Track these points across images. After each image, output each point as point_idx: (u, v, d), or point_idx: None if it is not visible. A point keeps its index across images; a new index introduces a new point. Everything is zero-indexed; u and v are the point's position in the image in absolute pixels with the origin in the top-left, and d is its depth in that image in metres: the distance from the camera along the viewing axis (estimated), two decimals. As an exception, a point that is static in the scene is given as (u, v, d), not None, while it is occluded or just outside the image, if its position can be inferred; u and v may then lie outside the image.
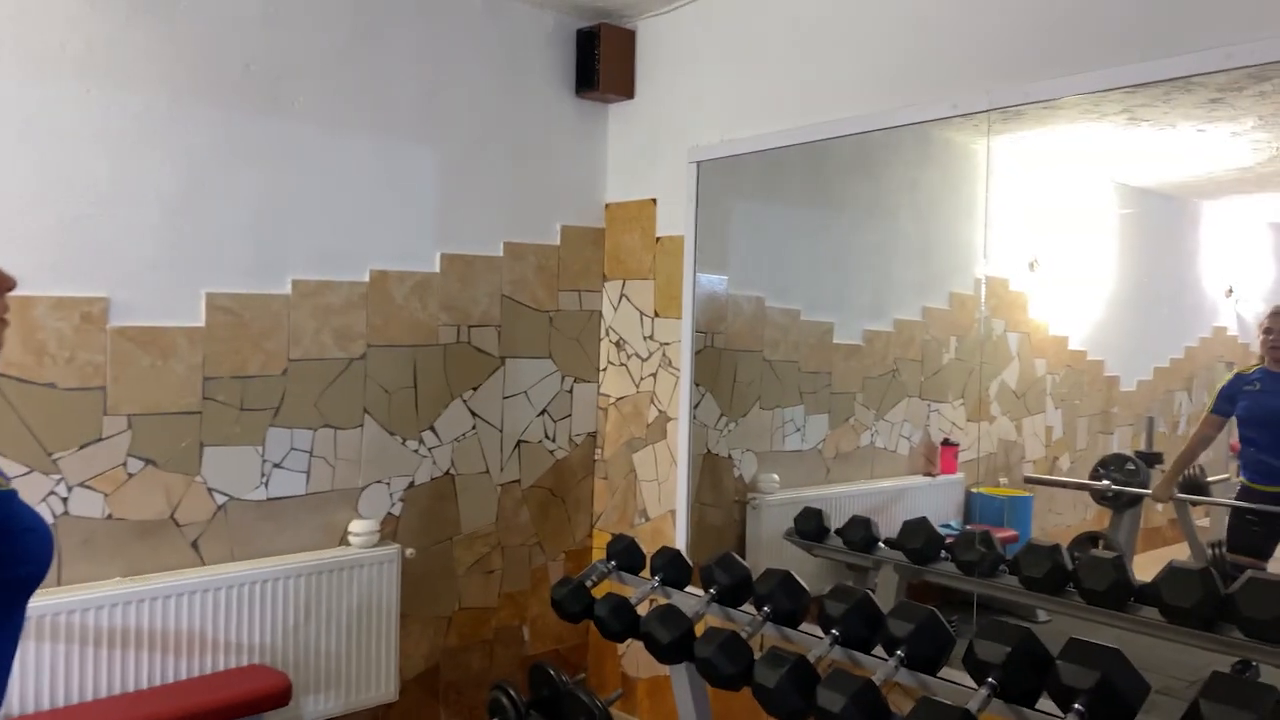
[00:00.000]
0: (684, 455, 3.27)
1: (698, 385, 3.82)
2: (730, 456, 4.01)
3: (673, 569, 2.63)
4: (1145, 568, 5.53)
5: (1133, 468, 5.11)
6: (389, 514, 3.05)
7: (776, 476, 4.14)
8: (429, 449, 3.14)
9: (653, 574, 2.65)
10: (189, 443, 2.65)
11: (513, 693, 2.47)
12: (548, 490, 3.46)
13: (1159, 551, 5.97)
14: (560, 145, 3.45)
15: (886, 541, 3.26)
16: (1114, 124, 4.53)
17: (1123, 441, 5.97)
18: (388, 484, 3.05)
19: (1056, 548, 2.66)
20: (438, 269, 3.14)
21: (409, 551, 3.05)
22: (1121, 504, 5.08)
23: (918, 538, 3.02)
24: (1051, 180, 5.57)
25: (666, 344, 3.36)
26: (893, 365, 4.80)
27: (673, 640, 2.29)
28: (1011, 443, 5.48)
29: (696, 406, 3.77)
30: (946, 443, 5.06)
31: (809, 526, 3.34)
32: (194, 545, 2.68)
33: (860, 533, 3.20)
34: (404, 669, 3.09)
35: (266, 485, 2.80)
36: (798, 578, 2.37)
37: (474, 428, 3.24)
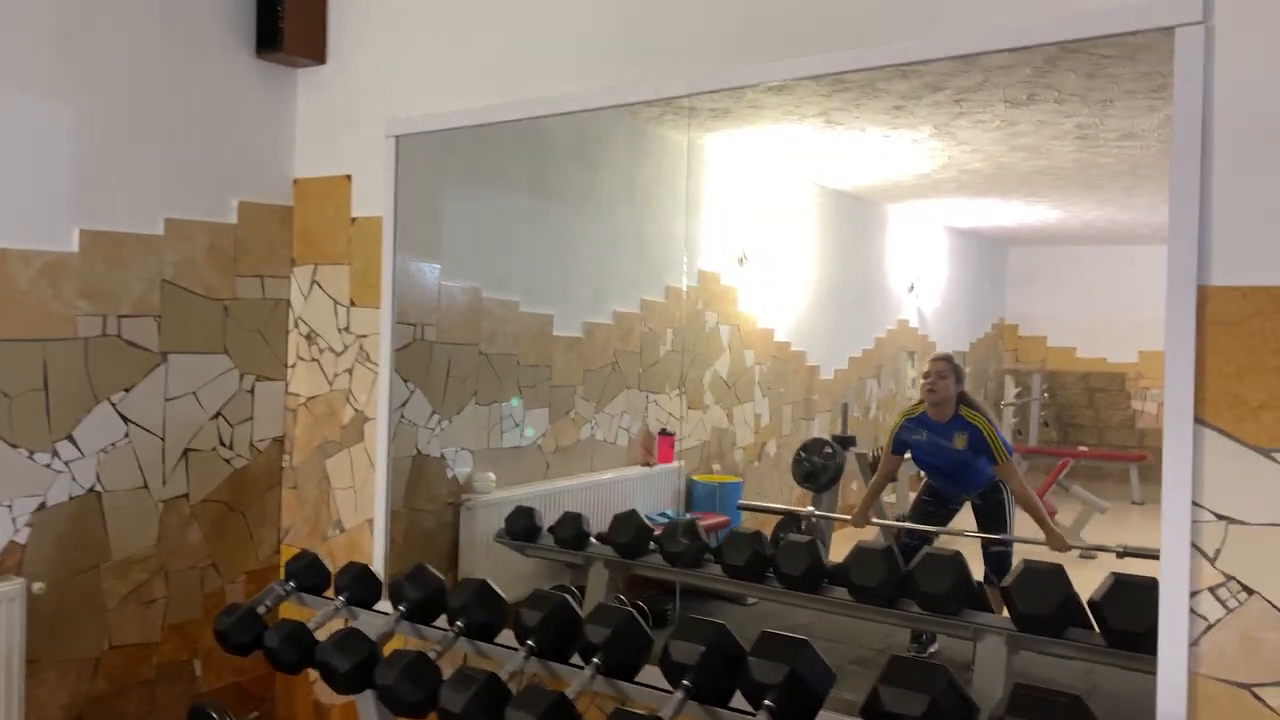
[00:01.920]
0: (383, 458, 2.99)
1: (406, 381, 3.55)
2: (443, 456, 3.77)
3: (359, 586, 2.36)
4: (845, 540, 5.85)
5: (830, 451, 5.43)
6: (11, 542, 2.53)
7: (493, 475, 3.95)
8: (66, 463, 2.63)
9: (337, 593, 2.37)
10: None
11: (163, 745, 2.10)
12: (224, 504, 3.04)
13: (849, 531, 6.41)
14: (237, 111, 3.04)
15: (598, 537, 3.17)
16: (813, 126, 4.75)
17: (823, 426, 6.36)
18: (9, 506, 2.53)
19: (757, 535, 2.68)
20: (76, 248, 2.65)
21: (36, 586, 2.54)
22: (821, 484, 5.40)
23: (626, 531, 2.95)
24: (760, 180, 5.81)
25: (364, 336, 3.06)
26: (612, 358, 4.77)
27: (352, 668, 2.04)
28: (724, 430, 5.66)
29: (404, 405, 3.50)
30: (664, 433, 5.12)
31: (519, 526, 3.18)
32: None
33: (571, 530, 3.09)
34: (35, 726, 2.58)
35: None
36: (494, 587, 2.19)
37: (127, 436, 2.77)
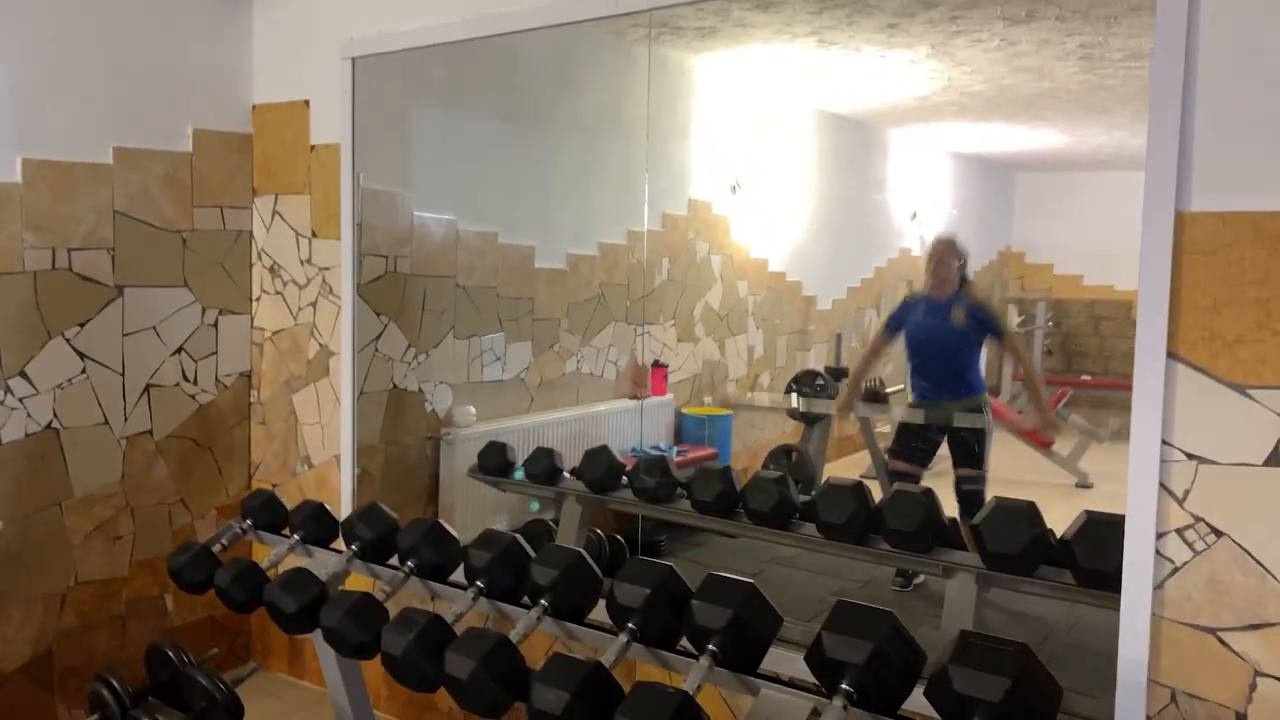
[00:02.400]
0: (348, 394, 2.92)
1: (379, 315, 3.47)
2: (421, 390, 3.71)
3: (314, 525, 2.32)
4: (838, 472, 5.77)
5: (821, 383, 5.35)
6: (-36, 480, 2.49)
7: (473, 409, 3.90)
8: (20, 399, 2.58)
9: (292, 532, 2.33)
10: None
11: (116, 684, 2.08)
12: (190, 440, 2.99)
13: (851, 458, 6.39)
14: (189, 32, 2.89)
15: (572, 472, 3.11)
16: (805, 46, 4.54)
17: (819, 358, 6.28)
18: (-39, 444, 2.49)
19: (726, 471, 2.61)
20: (18, 178, 2.55)
21: (-6, 524, 2.51)
22: (811, 418, 5.33)
23: (597, 467, 2.89)
24: (754, 104, 5.62)
25: (326, 269, 2.97)
26: (598, 290, 4.67)
27: (299, 608, 2.00)
28: (716, 362, 5.58)
29: (378, 339, 3.43)
30: (657, 364, 5.05)
31: (492, 462, 3.13)
32: None
33: (542, 465, 3.03)
34: (0, 661, 2.58)
35: None
36: (446, 526, 2.14)
37: (84, 372, 2.71)
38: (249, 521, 2.39)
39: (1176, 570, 1.69)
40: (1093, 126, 6.60)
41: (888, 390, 5.32)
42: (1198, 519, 1.67)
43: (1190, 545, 1.68)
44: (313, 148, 2.96)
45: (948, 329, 3.74)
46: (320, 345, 3.00)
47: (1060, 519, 4.65)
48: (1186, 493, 1.67)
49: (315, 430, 3.04)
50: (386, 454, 3.58)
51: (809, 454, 5.14)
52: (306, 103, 2.96)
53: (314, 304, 3.00)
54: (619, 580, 1.75)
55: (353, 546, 2.17)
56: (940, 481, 4.03)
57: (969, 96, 5.68)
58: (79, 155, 2.67)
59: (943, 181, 7.97)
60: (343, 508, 2.90)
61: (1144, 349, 1.68)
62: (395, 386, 3.58)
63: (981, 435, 3.80)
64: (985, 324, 3.70)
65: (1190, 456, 1.66)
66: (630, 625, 1.71)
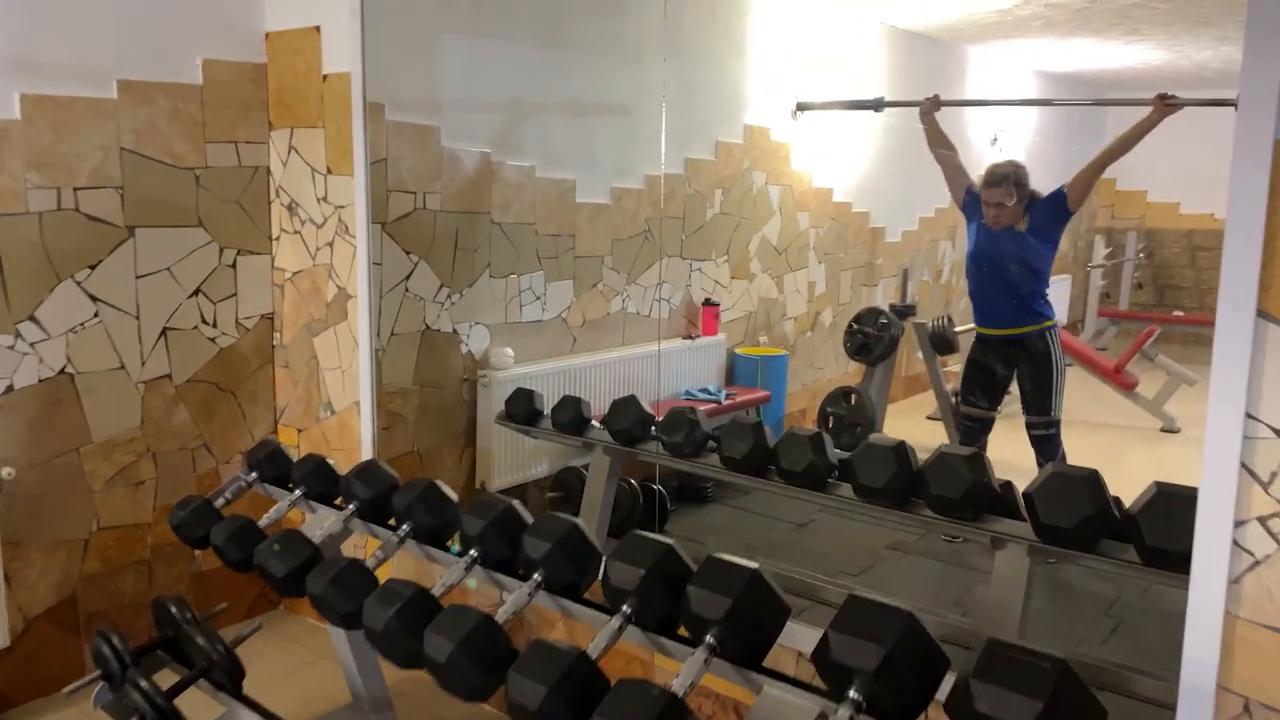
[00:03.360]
0: (366, 338, 2.80)
1: (409, 253, 3.33)
2: (456, 331, 3.59)
3: (316, 480, 2.21)
4: (903, 414, 5.49)
5: (885, 321, 5.06)
6: (-22, 426, 2.46)
7: (510, 351, 3.76)
8: (31, 344, 2.52)
9: (294, 487, 2.23)
10: None
11: (116, 640, 2.03)
12: (212, 385, 2.92)
13: (918, 398, 6.11)
14: (195, -45, 2.73)
15: (602, 421, 2.96)
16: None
17: (886, 293, 5.96)
18: (-28, 390, 2.45)
19: (758, 426, 2.42)
20: (17, 114, 2.44)
21: (6, 471, 2.48)
22: (874, 358, 5.06)
23: (625, 418, 2.72)
24: (816, 20, 5.23)
25: (342, 207, 2.82)
26: (645, 225, 4.45)
27: (289, 572, 1.90)
28: (773, 300, 5.32)
29: (409, 278, 3.30)
30: (708, 303, 4.83)
31: (519, 410, 2.99)
32: None
33: (569, 414, 2.88)
34: (24, 605, 2.57)
35: None
36: (443, 487, 2.00)
37: (96, 315, 2.63)
38: (254, 474, 2.30)
39: (1257, 564, 1.45)
40: (1196, 40, 6.00)
41: (956, 329, 5.00)
42: (1286, 507, 1.42)
43: (1275, 536, 1.43)
44: (325, 78, 2.79)
45: (1013, 240, 3.44)
46: (338, 288, 2.88)
47: (1139, 465, 4.31)
48: (1274, 476, 1.42)
49: (336, 375, 2.94)
50: (421, 396, 3.48)
51: (869, 396, 4.88)
52: (317, 29, 2.78)
53: (330, 244, 2.86)
54: (612, 558, 1.59)
55: (351, 506, 2.06)
56: (1014, 424, 3.76)
57: (1055, 8, 5.19)
58: (81, 90, 2.55)
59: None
60: (363, 456, 2.81)
61: (1228, 304, 1.42)
62: (428, 328, 3.46)
63: (1049, 370, 3.52)
64: (1052, 206, 3.37)
65: (1280, 434, 1.41)
66: (625, 609, 1.55)
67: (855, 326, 5.13)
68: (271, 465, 2.31)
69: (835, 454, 2.35)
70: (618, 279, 4.27)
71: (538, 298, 3.95)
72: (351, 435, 2.89)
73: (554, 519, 1.74)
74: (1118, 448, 5.18)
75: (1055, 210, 3.39)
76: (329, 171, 2.84)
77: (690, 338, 4.62)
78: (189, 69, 2.76)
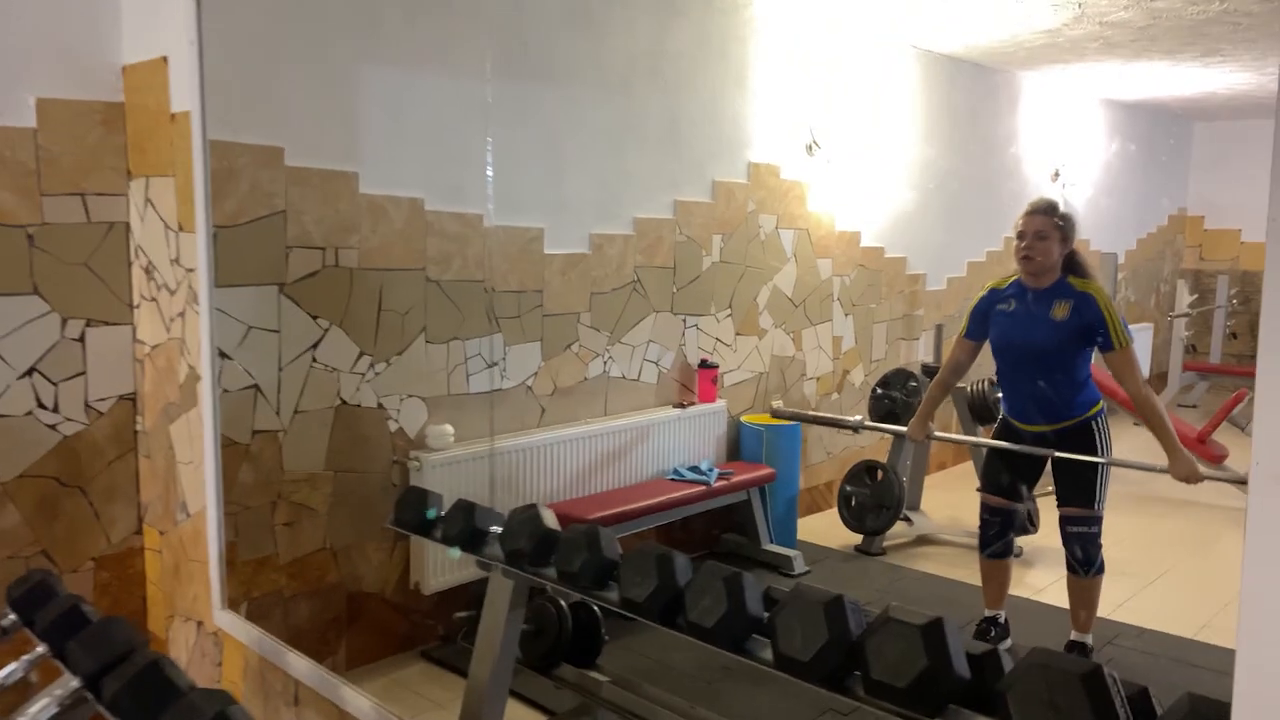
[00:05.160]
0: (209, 429, 2.30)
1: (315, 318, 2.87)
2: (381, 406, 3.09)
3: (60, 632, 1.70)
4: (949, 486, 4.68)
5: (915, 384, 4.37)
6: None
7: (450, 427, 3.25)
8: None
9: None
10: None
11: None
12: (52, 480, 2.47)
13: (959, 468, 5.34)
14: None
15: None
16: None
17: (929, 348, 5.26)
18: None
19: (664, 559, 1.82)
20: None
21: None
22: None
23: (520, 535, 2.15)
24: (835, 45, 4.64)
25: (192, 270, 2.36)
26: (633, 275, 3.91)
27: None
28: (789, 359, 4.69)
29: (316, 346, 2.84)
30: (704, 364, 4.24)
31: (408, 515, 2.44)
32: None
33: (459, 525, 2.31)
34: None
35: None
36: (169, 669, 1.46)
37: (-108, 402, 2.22)
38: (13, 615, 1.81)
39: None
40: (1289, 58, 5.19)
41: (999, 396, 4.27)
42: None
43: None
44: (173, 117, 2.34)
45: (1047, 328, 2.74)
46: (189, 366, 2.40)
47: (1227, 553, 3.45)
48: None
49: (190, 470, 2.45)
50: (336, 484, 2.99)
51: (895, 471, 4.20)
52: (165, 60, 2.33)
53: (182, 314, 2.39)
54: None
55: (74, 682, 1.54)
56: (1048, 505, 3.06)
57: (1112, 27, 4.49)
58: (-128, 136, 2.15)
59: (1093, 134, 6.64)
60: (211, 574, 2.30)
61: (1271, 352, 0.79)
62: (344, 403, 2.98)
63: (1094, 468, 2.81)
64: (1091, 325, 2.69)
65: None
66: None
67: (880, 391, 4.45)
68: (29, 602, 1.81)
69: (758, 602, 1.74)
70: (598, 338, 3.73)
71: (492, 364, 3.43)
72: (205, 544, 2.40)
73: None
74: (1204, 534, 4.35)
75: (1094, 329, 2.71)
76: (180, 228, 2.38)
77: (683, 405, 4.04)
78: (18, 109, 2.34)
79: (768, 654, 1.67)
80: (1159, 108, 6.75)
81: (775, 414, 3.86)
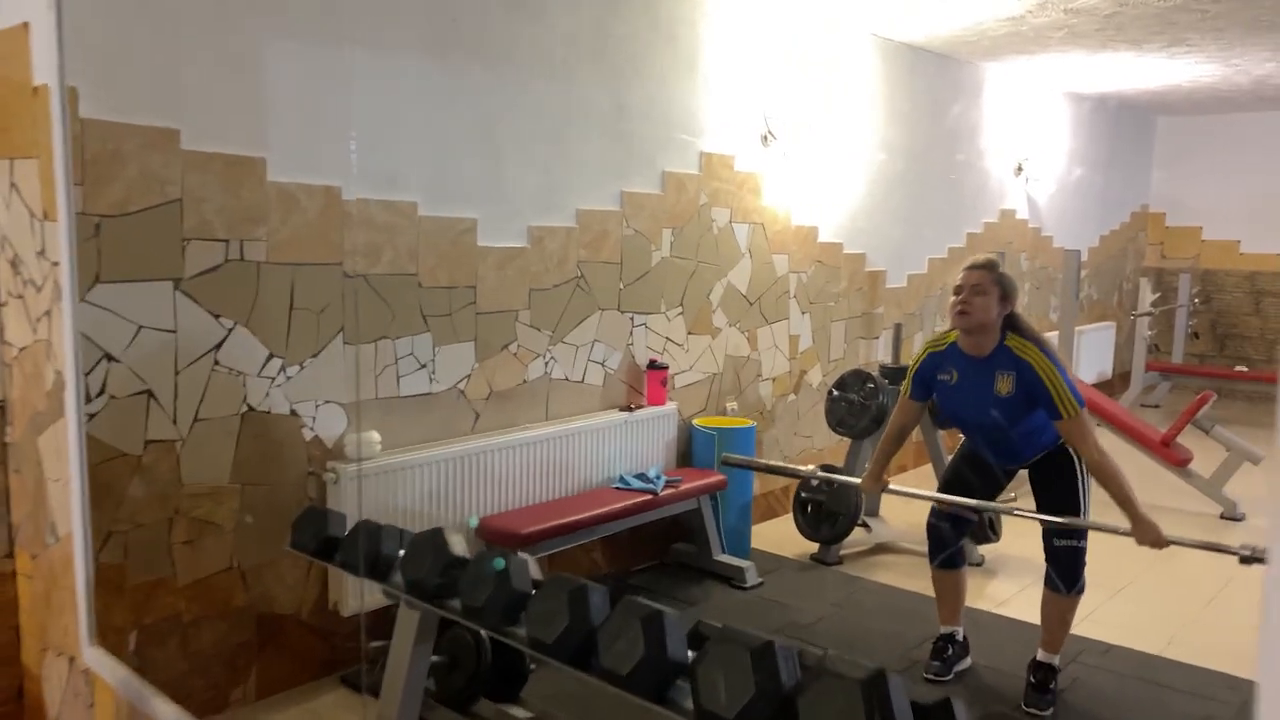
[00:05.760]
0: (75, 444, 2.04)
1: (218, 317, 2.61)
2: (295, 413, 2.83)
3: None
4: (913, 484, 4.46)
5: (872, 386, 4.18)
6: None
7: (377, 435, 3.00)
8: None
9: None
10: None
11: None
12: (-97, 497, 2.20)
13: (919, 470, 5.16)
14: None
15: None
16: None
17: (888, 348, 5.07)
18: None
19: (579, 593, 1.60)
20: None
21: None
22: (859, 430, 4.19)
23: (422, 563, 1.92)
24: (791, 32, 4.44)
25: (57, 264, 2.09)
26: (576, 271, 3.67)
27: None
28: (743, 359, 4.47)
29: (218, 348, 2.58)
30: (654, 365, 4.01)
31: (306, 538, 2.19)
32: None
33: (364, 549, 2.07)
34: None
35: None
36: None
37: None
38: None
39: None
40: (1255, 52, 5.06)
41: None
42: None
43: None
44: (35, 90, 2.07)
45: (993, 402, 2.57)
46: (56, 371, 2.13)
47: (1192, 561, 3.26)
48: None
49: (59, 488, 2.18)
50: (244, 498, 2.72)
51: (854, 472, 3.99)
52: (25, 25, 2.06)
53: (49, 313, 2.13)
54: None
55: None
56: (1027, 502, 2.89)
57: (1077, 15, 4.31)
58: None
59: (1057, 128, 6.49)
60: (78, 606, 2.04)
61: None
62: (251, 409, 2.71)
63: (1073, 479, 2.63)
64: (1034, 397, 2.51)
65: None
66: None
67: (837, 393, 4.24)
68: None
69: (681, 644, 1.52)
70: (538, 338, 3.50)
71: (422, 365, 3.19)
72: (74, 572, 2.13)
73: None
74: (1171, 533, 4.12)
75: (1036, 397, 2.52)
76: (45, 217, 2.11)
77: (630, 408, 3.81)
78: None
79: (691, 704, 1.45)
80: (1123, 101, 6.62)
81: (725, 461, 3.64)
